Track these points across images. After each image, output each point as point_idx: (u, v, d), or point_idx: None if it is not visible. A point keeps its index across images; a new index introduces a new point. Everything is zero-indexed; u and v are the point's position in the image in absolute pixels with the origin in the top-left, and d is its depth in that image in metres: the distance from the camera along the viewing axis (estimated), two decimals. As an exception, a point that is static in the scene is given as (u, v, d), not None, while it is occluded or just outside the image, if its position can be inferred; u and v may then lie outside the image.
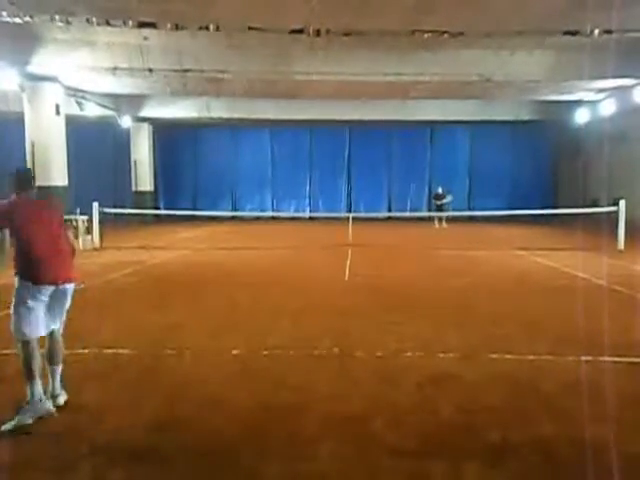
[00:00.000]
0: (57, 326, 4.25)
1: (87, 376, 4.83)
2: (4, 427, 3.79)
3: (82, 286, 4.63)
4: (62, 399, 4.21)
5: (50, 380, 4.20)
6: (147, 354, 5.43)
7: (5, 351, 5.18)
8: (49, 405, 4.03)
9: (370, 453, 3.47)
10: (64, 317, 4.31)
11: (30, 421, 3.85)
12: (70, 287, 4.22)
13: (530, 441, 3.62)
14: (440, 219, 23.03)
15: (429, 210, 26.62)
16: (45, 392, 4.08)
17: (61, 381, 4.25)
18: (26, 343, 3.98)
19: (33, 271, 4.00)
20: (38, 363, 4.02)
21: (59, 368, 4.25)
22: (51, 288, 4.06)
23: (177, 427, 3.85)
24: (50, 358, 4.22)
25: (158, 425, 3.87)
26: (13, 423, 3.81)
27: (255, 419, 3.97)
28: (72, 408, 4.14)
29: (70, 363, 5.10)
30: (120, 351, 5.47)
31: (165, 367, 5.10)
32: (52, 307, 4.15)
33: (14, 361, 4.33)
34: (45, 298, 4.06)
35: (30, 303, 3.98)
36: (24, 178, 4.28)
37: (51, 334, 4.22)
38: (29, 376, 3.97)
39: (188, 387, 4.58)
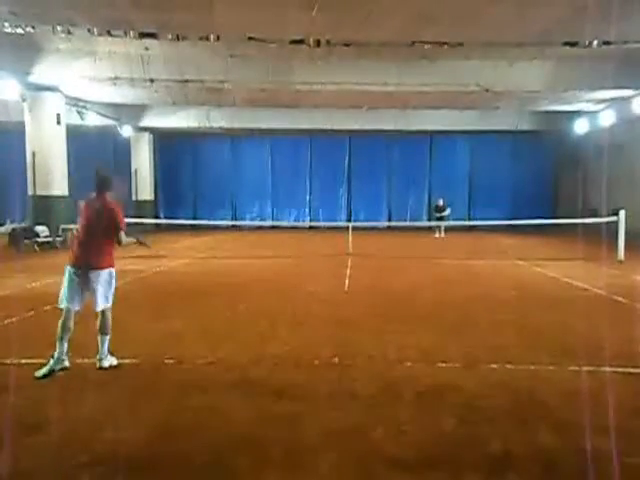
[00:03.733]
0: (99, 303, 5.23)
1: (87, 385, 4.82)
2: (37, 373, 4.94)
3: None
4: (106, 363, 5.26)
5: (99, 346, 5.26)
6: (147, 363, 5.42)
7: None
8: (66, 363, 5.10)
9: (370, 464, 3.45)
10: (109, 298, 5.32)
11: (56, 367, 5.01)
12: (100, 272, 5.19)
13: (531, 452, 3.60)
14: (439, 229, 23.07)
15: (429, 220, 26.69)
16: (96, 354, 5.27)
17: (108, 350, 5.31)
18: (64, 311, 5.14)
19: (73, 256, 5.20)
20: (68, 330, 5.09)
21: (106, 338, 5.29)
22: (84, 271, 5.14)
23: (176, 437, 3.83)
24: (99, 329, 5.29)
25: (157, 435, 3.85)
26: (43, 371, 4.96)
27: (254, 429, 3.95)
28: (72, 417, 4.13)
29: (70, 372, 5.12)
30: (120, 360, 5.45)
31: (165, 376, 5.09)
32: (88, 287, 5.20)
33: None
34: (78, 278, 5.13)
35: (70, 281, 5.14)
36: (98, 181, 5.45)
37: (102, 311, 5.28)
38: (59, 337, 5.06)
39: (187, 396, 4.56)
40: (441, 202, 23.56)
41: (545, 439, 3.78)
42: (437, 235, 22.90)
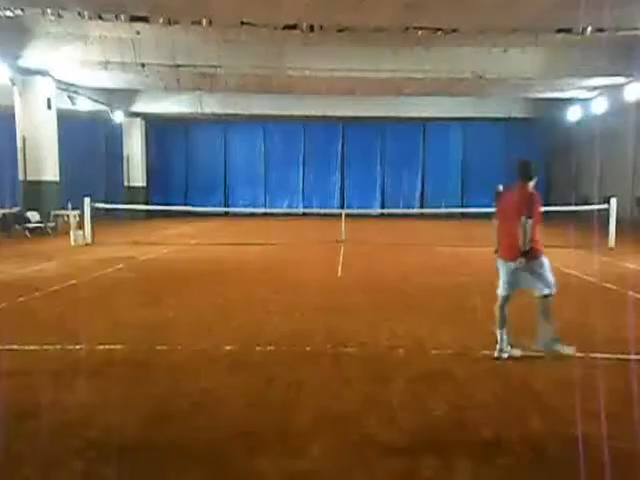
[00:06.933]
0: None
1: (79, 372, 4.81)
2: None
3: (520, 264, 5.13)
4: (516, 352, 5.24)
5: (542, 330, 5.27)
6: (139, 350, 5.41)
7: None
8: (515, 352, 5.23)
9: (362, 450, 3.47)
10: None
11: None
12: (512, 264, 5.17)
13: (521, 437, 3.63)
14: None
15: (421, 206, 26.77)
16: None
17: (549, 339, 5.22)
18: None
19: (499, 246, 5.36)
20: (505, 317, 5.27)
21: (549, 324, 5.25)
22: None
23: (169, 423, 3.84)
24: (541, 313, 5.30)
25: (150, 421, 3.86)
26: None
27: (247, 415, 3.96)
28: (63, 403, 4.13)
29: (62, 359, 5.11)
30: (112, 347, 5.45)
31: (157, 363, 5.08)
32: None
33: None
34: (504, 269, 5.25)
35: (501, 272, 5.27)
36: (518, 169, 5.66)
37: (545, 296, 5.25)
38: (501, 325, 5.25)
39: (180, 383, 4.57)
40: (501, 188, 22.52)
41: (535, 424, 3.82)
42: None
